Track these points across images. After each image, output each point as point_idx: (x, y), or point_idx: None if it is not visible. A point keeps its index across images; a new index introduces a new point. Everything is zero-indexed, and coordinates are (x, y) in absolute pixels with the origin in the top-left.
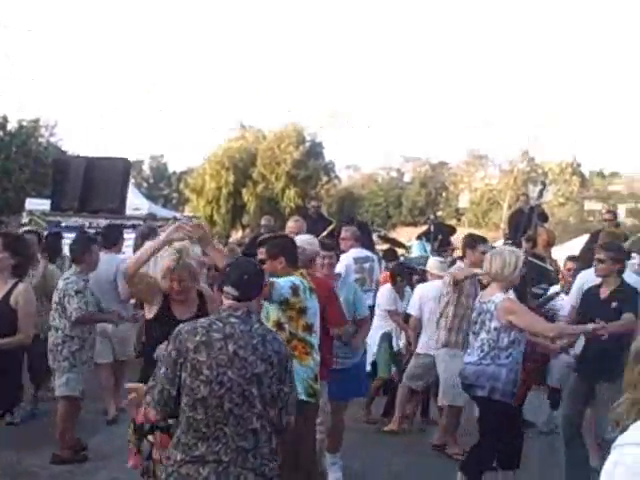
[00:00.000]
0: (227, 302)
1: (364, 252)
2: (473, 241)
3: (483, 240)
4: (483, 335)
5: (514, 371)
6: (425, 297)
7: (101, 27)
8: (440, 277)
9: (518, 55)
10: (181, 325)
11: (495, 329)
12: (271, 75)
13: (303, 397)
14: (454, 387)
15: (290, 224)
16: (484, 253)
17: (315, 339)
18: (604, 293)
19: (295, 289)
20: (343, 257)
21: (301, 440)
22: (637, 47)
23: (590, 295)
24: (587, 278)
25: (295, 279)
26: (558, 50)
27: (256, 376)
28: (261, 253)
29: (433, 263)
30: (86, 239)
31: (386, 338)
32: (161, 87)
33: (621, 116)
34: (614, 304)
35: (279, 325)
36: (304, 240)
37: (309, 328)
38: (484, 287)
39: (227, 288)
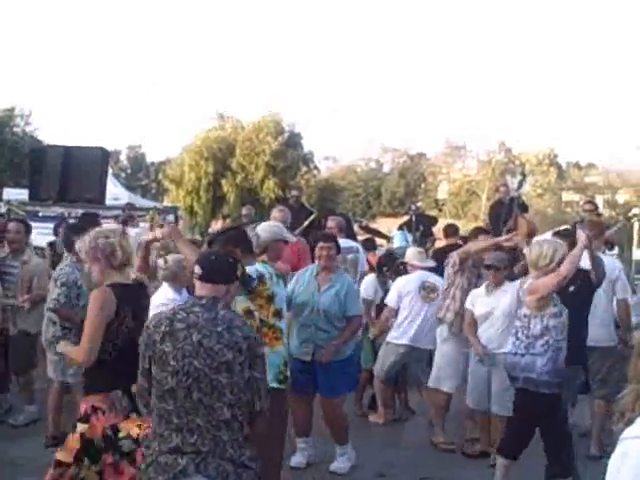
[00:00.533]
0: (197, 286)
1: (348, 242)
2: (477, 232)
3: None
4: (517, 323)
5: (552, 360)
6: (404, 288)
7: (79, 13)
8: (419, 268)
9: (496, 47)
10: (150, 317)
11: (525, 316)
12: (249, 65)
13: (274, 384)
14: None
15: (275, 214)
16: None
17: (284, 324)
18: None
19: (261, 277)
20: None
21: (270, 426)
22: (615, 40)
23: None
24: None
25: (259, 266)
26: (536, 42)
27: (224, 364)
28: None
29: (412, 253)
30: (80, 227)
31: (367, 329)
32: (139, 77)
33: (597, 108)
34: (571, 288)
35: (249, 313)
36: (261, 227)
37: (278, 314)
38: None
39: (195, 267)
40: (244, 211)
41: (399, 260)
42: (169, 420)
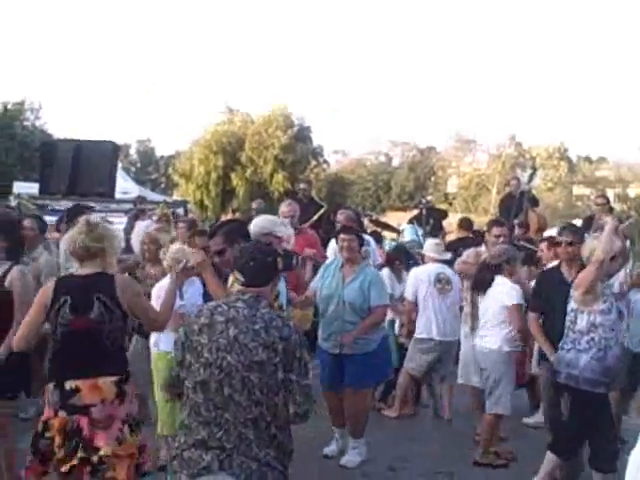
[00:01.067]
0: (242, 287)
1: None
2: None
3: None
4: (567, 317)
5: (598, 358)
6: (419, 280)
7: (88, 7)
8: (436, 260)
9: (506, 40)
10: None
11: (572, 310)
12: (256, 60)
13: None
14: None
15: (283, 208)
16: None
17: None
18: (570, 275)
19: None
20: (332, 241)
21: None
22: (622, 34)
23: (551, 276)
24: None
25: None
26: (546, 36)
27: (257, 364)
28: (216, 244)
29: (430, 245)
30: (66, 219)
31: (391, 325)
32: (148, 71)
33: (607, 101)
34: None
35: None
36: (253, 221)
37: (280, 309)
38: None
39: (237, 273)
40: (254, 205)
41: (413, 251)
42: (198, 412)
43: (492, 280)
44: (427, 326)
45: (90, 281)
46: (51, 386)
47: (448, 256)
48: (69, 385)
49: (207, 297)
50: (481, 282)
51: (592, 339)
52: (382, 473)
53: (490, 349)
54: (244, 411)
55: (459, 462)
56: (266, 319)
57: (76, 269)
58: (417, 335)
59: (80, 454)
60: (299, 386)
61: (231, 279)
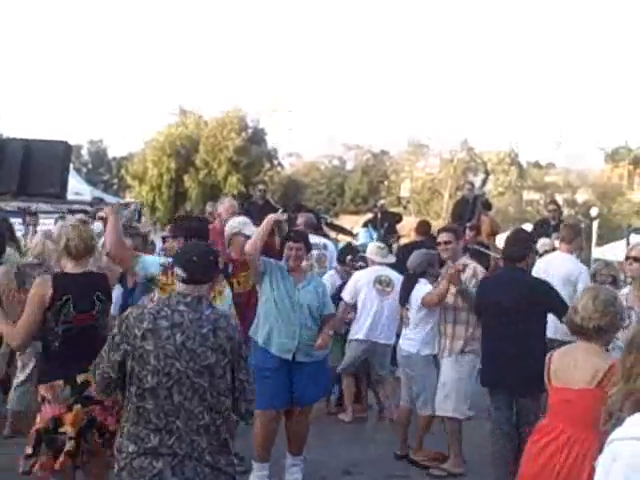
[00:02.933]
0: (179, 285)
1: (314, 238)
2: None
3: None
4: None
5: None
6: (359, 283)
7: (40, 8)
8: (378, 263)
9: (457, 48)
10: (130, 309)
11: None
12: (210, 61)
13: None
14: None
15: (225, 204)
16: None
17: None
18: None
19: (166, 269)
20: None
21: None
22: (574, 42)
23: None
24: (549, 265)
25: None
26: (495, 44)
27: (207, 368)
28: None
29: (372, 248)
30: None
31: None
32: (99, 70)
33: (556, 108)
34: None
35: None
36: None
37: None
38: None
39: (176, 270)
40: (208, 208)
41: (360, 253)
42: (148, 420)
43: (413, 287)
44: (360, 326)
45: (89, 279)
46: (60, 382)
47: (391, 259)
48: (80, 379)
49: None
50: (406, 292)
51: None
52: (338, 478)
53: (409, 352)
54: (195, 418)
55: (414, 466)
56: (212, 320)
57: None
58: (351, 336)
59: (95, 438)
60: (248, 384)
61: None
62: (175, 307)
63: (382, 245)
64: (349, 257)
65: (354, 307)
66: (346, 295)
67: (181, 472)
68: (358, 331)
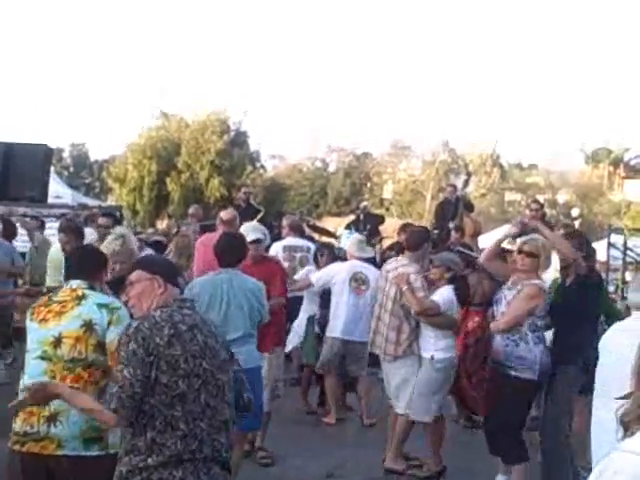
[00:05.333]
0: (173, 289)
1: (299, 241)
2: None
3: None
4: None
5: None
6: (334, 272)
7: (19, 9)
8: (357, 258)
9: (438, 48)
10: (134, 321)
11: None
12: (193, 61)
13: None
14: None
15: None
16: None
17: None
18: (570, 281)
19: None
20: (273, 245)
21: None
22: (554, 43)
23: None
24: None
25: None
26: (477, 44)
27: (223, 363)
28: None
29: (352, 242)
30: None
31: (311, 321)
32: (81, 72)
33: (538, 109)
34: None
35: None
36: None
37: None
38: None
39: (181, 280)
40: (191, 210)
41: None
42: (176, 427)
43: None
44: (336, 324)
45: None
46: None
47: (369, 254)
48: None
49: None
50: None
51: None
52: (319, 479)
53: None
54: (218, 414)
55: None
56: (210, 321)
57: None
58: (327, 333)
59: None
60: (241, 375)
61: None
62: (181, 311)
63: (362, 238)
64: (320, 254)
65: (327, 303)
66: (314, 277)
67: (197, 476)
68: (334, 329)
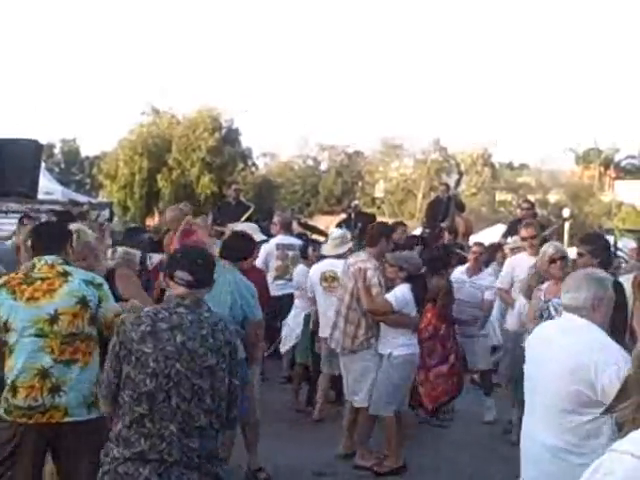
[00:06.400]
0: (178, 289)
1: (291, 239)
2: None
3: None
4: None
5: None
6: (310, 281)
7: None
8: (330, 257)
9: (430, 47)
10: (124, 315)
11: None
12: (184, 57)
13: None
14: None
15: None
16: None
17: None
18: None
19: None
20: (266, 244)
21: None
22: (546, 43)
23: None
24: (517, 263)
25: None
26: (469, 44)
27: (208, 369)
28: None
29: (328, 241)
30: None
31: (308, 320)
32: (72, 68)
33: (529, 109)
34: None
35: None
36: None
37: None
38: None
39: (179, 273)
40: (181, 207)
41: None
42: (142, 424)
43: None
44: (322, 325)
45: None
46: None
47: (343, 249)
48: None
49: None
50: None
51: None
52: (309, 478)
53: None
54: (192, 420)
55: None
56: (210, 323)
57: None
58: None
59: None
60: (240, 390)
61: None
62: (174, 309)
63: (337, 235)
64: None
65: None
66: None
67: (168, 478)
68: (322, 330)
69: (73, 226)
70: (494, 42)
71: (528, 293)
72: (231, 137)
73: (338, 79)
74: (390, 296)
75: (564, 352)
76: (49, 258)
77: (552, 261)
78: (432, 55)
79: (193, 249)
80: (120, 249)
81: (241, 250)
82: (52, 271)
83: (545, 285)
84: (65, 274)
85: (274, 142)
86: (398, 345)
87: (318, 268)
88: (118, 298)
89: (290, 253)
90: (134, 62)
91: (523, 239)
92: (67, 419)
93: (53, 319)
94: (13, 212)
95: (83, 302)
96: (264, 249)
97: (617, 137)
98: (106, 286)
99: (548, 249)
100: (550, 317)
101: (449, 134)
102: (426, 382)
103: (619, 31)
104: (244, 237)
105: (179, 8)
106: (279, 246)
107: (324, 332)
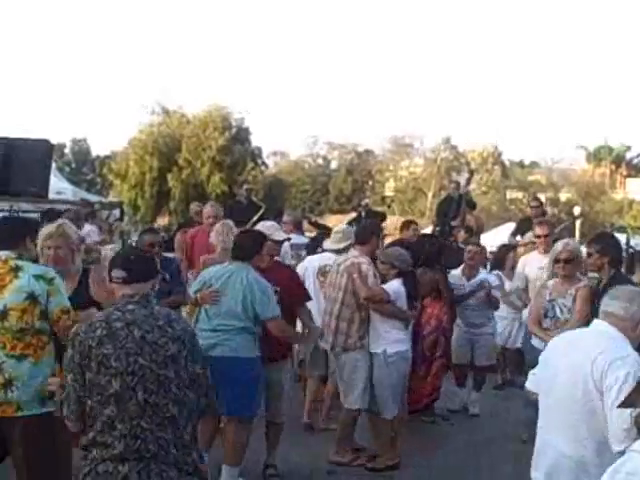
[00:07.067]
0: (119, 290)
1: (302, 239)
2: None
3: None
4: None
5: None
6: (305, 270)
7: (21, 6)
8: (330, 250)
9: (440, 46)
10: (77, 326)
11: None
12: (195, 57)
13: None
14: None
15: (207, 209)
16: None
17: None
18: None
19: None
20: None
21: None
22: (556, 43)
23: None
24: (528, 261)
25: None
26: (479, 42)
27: (170, 357)
28: None
29: (331, 236)
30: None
31: None
32: (83, 68)
33: (540, 107)
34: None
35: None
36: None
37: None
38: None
39: (114, 272)
40: (194, 207)
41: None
42: (113, 427)
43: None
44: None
45: None
46: None
47: (342, 245)
48: None
49: None
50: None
51: None
52: (322, 477)
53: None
54: (161, 411)
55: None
56: (164, 314)
57: None
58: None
59: None
60: (205, 377)
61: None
62: (124, 308)
63: (339, 229)
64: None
65: None
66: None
67: (147, 476)
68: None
69: (59, 220)
70: (505, 40)
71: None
72: (241, 136)
73: (348, 78)
74: (386, 287)
75: (583, 356)
76: (3, 253)
77: (556, 261)
78: (443, 53)
79: (127, 249)
80: (109, 249)
81: (248, 248)
82: (4, 267)
83: (551, 282)
84: (16, 269)
85: (284, 141)
86: (391, 341)
87: (317, 261)
88: (90, 298)
89: (303, 253)
90: (145, 62)
91: (537, 237)
92: (19, 413)
93: (3, 315)
94: (24, 212)
95: (32, 298)
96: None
97: (628, 135)
98: (58, 280)
99: (556, 248)
100: (555, 317)
101: (459, 132)
102: (428, 375)
103: (630, 29)
104: (250, 234)
105: (191, 7)
106: (293, 246)
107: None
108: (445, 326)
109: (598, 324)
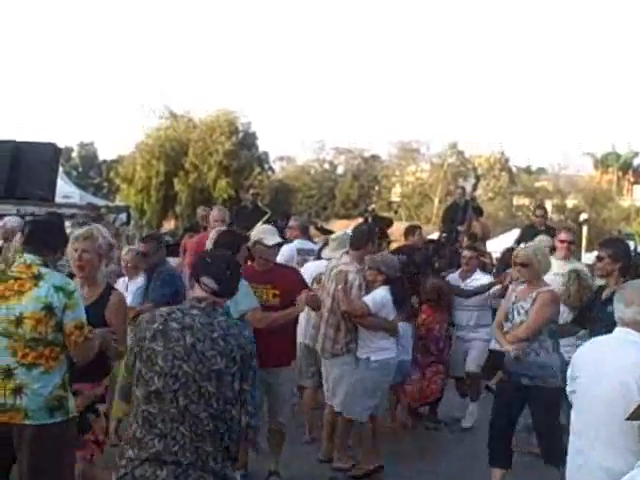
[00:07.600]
0: (200, 293)
1: (309, 244)
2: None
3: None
4: None
5: None
6: (305, 274)
7: (27, 9)
8: (327, 258)
9: (445, 51)
10: (144, 314)
11: None
12: (201, 62)
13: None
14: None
15: (214, 213)
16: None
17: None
18: (606, 294)
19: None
20: (285, 247)
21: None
22: (562, 48)
23: (594, 295)
24: None
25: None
26: (486, 47)
27: (215, 372)
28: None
29: (330, 244)
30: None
31: None
32: (90, 72)
33: (547, 113)
34: (609, 308)
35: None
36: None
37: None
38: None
39: (206, 279)
40: (200, 211)
41: None
42: (153, 424)
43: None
44: (304, 329)
45: None
46: None
47: (336, 254)
48: None
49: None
50: None
51: None
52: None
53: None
54: (201, 423)
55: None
56: (223, 327)
57: None
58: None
59: None
60: (252, 397)
61: None
62: (188, 311)
63: (336, 237)
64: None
65: None
66: None
67: None
68: (302, 335)
69: (94, 225)
70: (511, 46)
71: (568, 301)
72: (248, 141)
73: (354, 83)
74: (368, 299)
75: (614, 368)
76: (29, 257)
77: (514, 264)
78: (450, 59)
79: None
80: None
81: (227, 247)
82: (27, 272)
83: (520, 287)
84: (38, 277)
85: (291, 146)
86: (376, 349)
87: (313, 269)
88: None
89: (310, 259)
90: (153, 66)
91: (561, 241)
92: (27, 422)
93: (18, 321)
94: (31, 215)
95: (49, 309)
96: (285, 253)
97: (635, 141)
98: (77, 294)
99: (515, 251)
100: (513, 320)
101: (466, 138)
102: (422, 380)
103: (638, 35)
104: (228, 234)
105: (199, 13)
106: (300, 252)
107: (300, 336)
108: (437, 334)
109: (627, 332)
